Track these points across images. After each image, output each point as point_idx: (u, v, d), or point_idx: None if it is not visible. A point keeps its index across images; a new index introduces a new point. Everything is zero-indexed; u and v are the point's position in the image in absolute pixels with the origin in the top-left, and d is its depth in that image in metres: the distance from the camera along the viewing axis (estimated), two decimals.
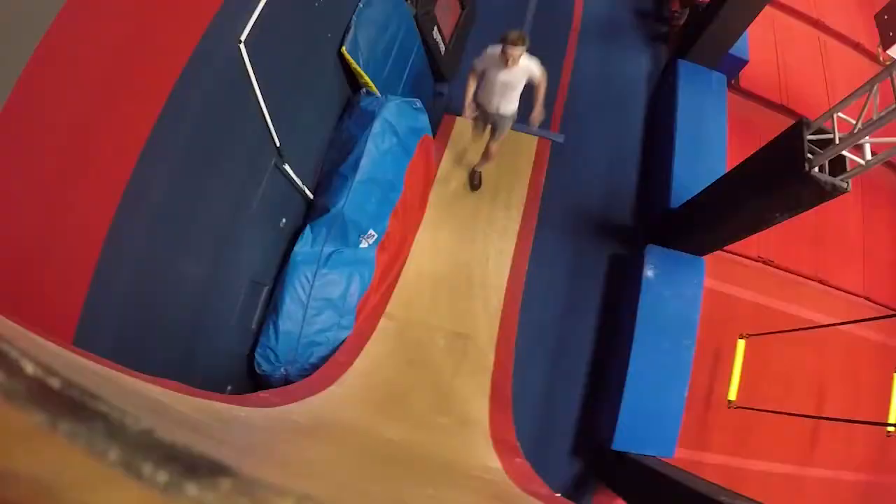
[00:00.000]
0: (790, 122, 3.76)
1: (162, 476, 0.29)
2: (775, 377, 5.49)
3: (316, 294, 3.71)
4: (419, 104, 4.54)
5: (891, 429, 4.48)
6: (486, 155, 5.03)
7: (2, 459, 0.27)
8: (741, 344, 5.00)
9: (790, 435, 5.42)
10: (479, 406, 3.78)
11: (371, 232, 4.00)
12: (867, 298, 6.22)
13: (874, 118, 3.21)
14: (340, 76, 4.26)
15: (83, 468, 0.28)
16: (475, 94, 4.30)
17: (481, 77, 4.18)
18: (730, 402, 4.90)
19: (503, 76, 4.04)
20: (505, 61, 3.85)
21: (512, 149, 5.79)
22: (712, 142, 5.69)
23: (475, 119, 4.67)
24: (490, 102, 4.32)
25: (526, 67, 3.96)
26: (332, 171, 4.10)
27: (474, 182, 5.35)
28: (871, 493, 5.80)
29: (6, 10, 1.58)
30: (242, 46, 2.79)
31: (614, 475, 4.63)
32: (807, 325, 4.82)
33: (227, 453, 0.68)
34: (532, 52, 3.91)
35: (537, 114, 4.18)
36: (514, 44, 3.72)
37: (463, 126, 5.85)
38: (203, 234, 2.98)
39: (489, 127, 4.72)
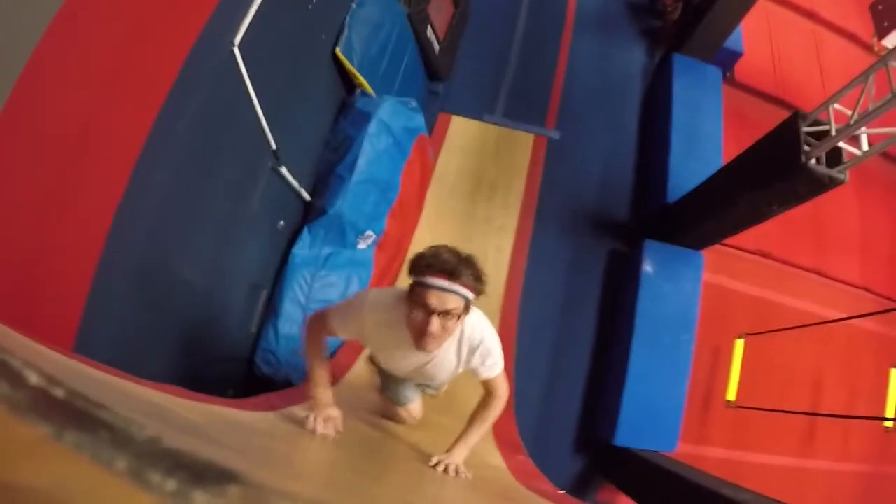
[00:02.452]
0: (786, 114, 3.77)
1: (170, 484, 0.29)
2: (774, 369, 5.50)
3: (315, 296, 3.70)
4: (414, 104, 4.54)
5: (888, 423, 4.50)
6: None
7: (8, 472, 0.27)
8: (739, 344, 5.02)
9: (790, 428, 5.43)
10: None
11: (369, 232, 3.99)
12: (866, 289, 6.24)
13: (870, 109, 3.22)
14: (335, 77, 4.25)
15: (91, 479, 0.28)
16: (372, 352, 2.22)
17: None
18: (728, 402, 4.92)
19: (412, 360, 1.77)
20: (419, 330, 1.53)
21: (508, 146, 5.80)
22: (708, 135, 5.70)
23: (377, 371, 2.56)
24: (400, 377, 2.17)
25: (462, 348, 1.72)
26: (328, 173, 4.09)
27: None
28: (872, 483, 5.82)
29: (4, 11, 1.58)
30: (236, 50, 2.78)
31: (617, 471, 4.64)
32: (806, 318, 4.85)
33: (233, 458, 0.68)
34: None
35: (450, 461, 1.75)
36: (449, 275, 1.49)
37: (459, 125, 5.86)
38: (201, 238, 2.98)
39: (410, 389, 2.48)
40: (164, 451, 0.32)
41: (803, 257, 6.05)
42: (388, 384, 2.41)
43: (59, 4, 1.72)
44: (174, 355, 2.90)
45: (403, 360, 1.81)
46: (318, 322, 1.81)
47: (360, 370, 3.59)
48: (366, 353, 3.65)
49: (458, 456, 1.80)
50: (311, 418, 1.66)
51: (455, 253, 1.55)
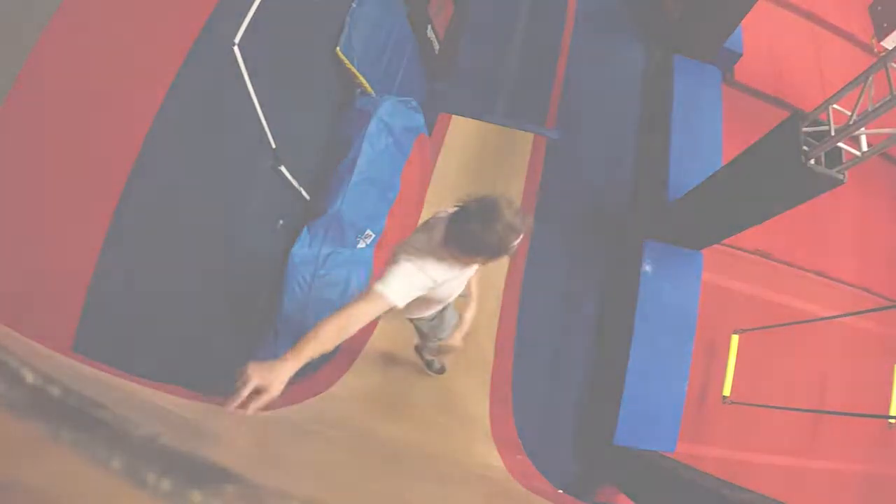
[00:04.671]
0: (785, 114, 3.76)
1: (166, 484, 0.29)
2: (776, 369, 5.50)
3: (314, 295, 3.70)
4: (414, 103, 4.53)
5: (892, 421, 4.50)
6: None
7: (6, 470, 0.27)
8: (735, 339, 5.02)
9: (791, 427, 5.43)
10: (479, 404, 3.78)
11: (368, 232, 3.99)
12: (865, 289, 6.24)
13: (869, 109, 3.21)
14: (335, 76, 4.25)
15: (87, 477, 0.28)
16: None
17: None
18: (724, 397, 4.92)
19: (449, 287, 2.09)
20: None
21: (507, 146, 5.80)
22: (708, 135, 5.70)
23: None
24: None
25: None
26: (328, 172, 4.09)
27: (434, 366, 3.67)
28: (874, 483, 5.82)
29: (5, 8, 1.58)
30: (236, 48, 2.78)
31: (616, 471, 4.64)
32: (804, 317, 4.84)
33: (230, 458, 0.68)
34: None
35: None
36: (520, 232, 1.73)
37: (459, 125, 5.85)
38: (200, 238, 2.97)
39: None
40: (160, 450, 0.32)
41: (803, 257, 6.05)
42: (436, 328, 2.66)
43: (58, 2, 1.72)
44: (173, 354, 2.90)
45: (457, 281, 2.03)
46: (349, 318, 1.69)
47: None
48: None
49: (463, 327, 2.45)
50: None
51: (500, 208, 1.74)
